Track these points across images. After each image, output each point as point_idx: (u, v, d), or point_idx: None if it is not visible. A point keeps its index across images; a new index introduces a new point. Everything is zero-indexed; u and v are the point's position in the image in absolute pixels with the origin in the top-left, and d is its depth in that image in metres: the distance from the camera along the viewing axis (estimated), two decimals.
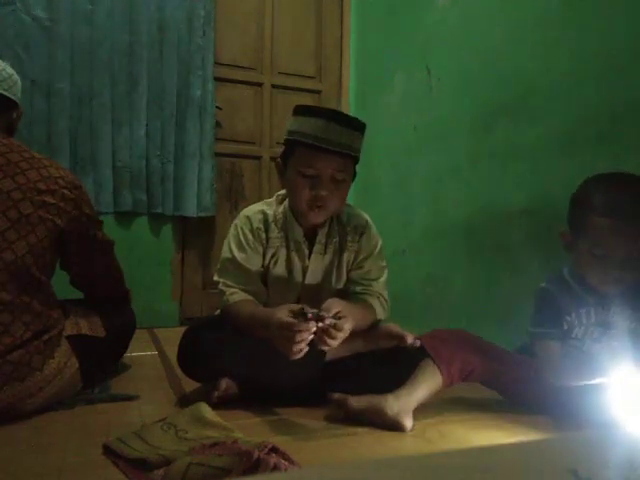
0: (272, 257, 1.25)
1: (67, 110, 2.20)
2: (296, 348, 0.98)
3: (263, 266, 1.25)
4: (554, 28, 1.54)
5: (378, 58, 2.63)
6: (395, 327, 1.25)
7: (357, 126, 1.18)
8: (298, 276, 1.27)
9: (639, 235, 0.99)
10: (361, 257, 1.28)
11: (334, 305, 1.05)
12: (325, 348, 1.02)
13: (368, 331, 1.23)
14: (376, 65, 2.65)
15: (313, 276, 1.28)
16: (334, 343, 1.00)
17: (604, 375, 1.00)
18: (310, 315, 1.00)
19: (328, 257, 1.28)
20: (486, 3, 1.85)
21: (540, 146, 1.57)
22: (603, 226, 1.03)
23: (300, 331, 0.97)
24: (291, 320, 0.98)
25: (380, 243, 1.31)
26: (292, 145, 1.18)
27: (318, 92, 2.84)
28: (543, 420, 1.11)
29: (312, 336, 0.99)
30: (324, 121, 1.12)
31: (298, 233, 1.25)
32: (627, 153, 1.31)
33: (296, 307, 1.03)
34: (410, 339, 1.19)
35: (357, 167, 1.25)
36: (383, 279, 1.30)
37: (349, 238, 1.28)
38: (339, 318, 1.02)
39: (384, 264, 1.31)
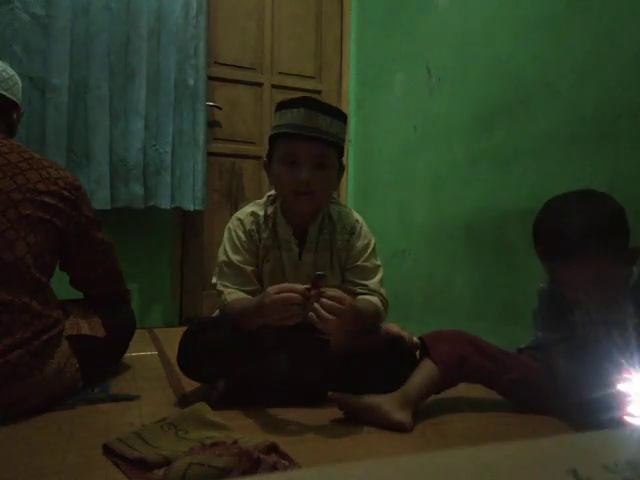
0: (265, 257, 1.25)
1: (64, 105, 2.16)
2: (291, 314, 0.96)
3: (257, 266, 1.25)
4: (554, 28, 1.54)
5: (378, 58, 2.63)
6: (395, 327, 1.25)
7: (336, 114, 1.17)
8: (291, 275, 1.26)
9: (590, 261, 0.96)
10: (354, 257, 1.27)
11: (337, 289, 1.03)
12: (324, 326, 0.95)
13: (369, 332, 1.23)
14: (376, 65, 2.66)
15: (306, 275, 1.25)
16: (333, 320, 0.94)
17: (609, 375, 1.00)
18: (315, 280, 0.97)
19: (320, 255, 1.27)
20: (486, 3, 1.85)
21: (540, 146, 1.57)
22: (552, 265, 1.04)
23: (292, 295, 0.95)
24: (281, 285, 0.98)
25: (373, 242, 1.30)
26: (274, 139, 1.20)
27: (318, 92, 2.84)
28: (543, 420, 1.11)
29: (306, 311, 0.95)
30: (301, 109, 1.13)
31: (287, 232, 1.24)
32: (627, 153, 1.31)
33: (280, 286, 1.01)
34: (408, 339, 1.19)
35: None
36: (378, 277, 1.28)
37: (338, 237, 1.27)
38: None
39: (378, 262, 1.30)
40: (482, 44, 1.86)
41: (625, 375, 0.97)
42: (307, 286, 0.97)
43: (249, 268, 1.23)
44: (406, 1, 2.38)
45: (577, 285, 1.01)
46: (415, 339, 1.21)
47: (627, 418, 0.93)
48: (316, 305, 0.95)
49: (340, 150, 1.22)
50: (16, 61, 2.07)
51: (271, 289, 0.99)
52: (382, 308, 1.24)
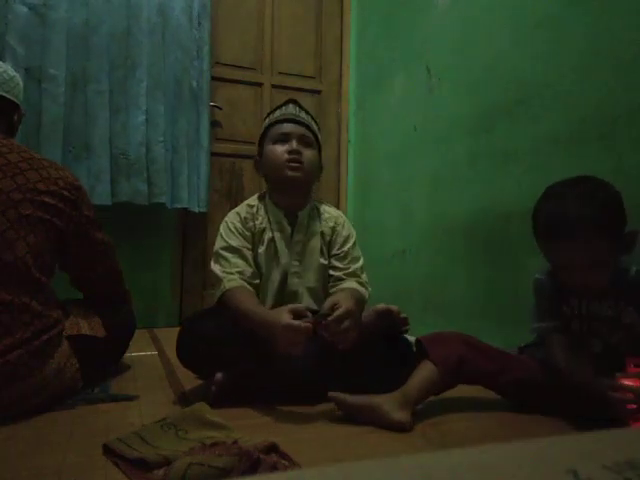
0: (259, 240, 1.33)
1: (61, 96, 2.13)
2: (298, 348, 1.04)
3: (253, 250, 1.33)
4: (554, 28, 1.54)
5: (378, 58, 2.63)
6: (381, 305, 1.32)
7: (314, 119, 1.40)
8: (283, 255, 1.33)
9: (585, 242, 0.97)
10: (340, 243, 1.37)
11: (329, 302, 1.11)
12: (343, 345, 1.06)
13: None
14: (376, 65, 2.65)
15: (297, 253, 1.34)
16: (345, 337, 1.06)
17: (604, 371, 1.00)
18: (310, 318, 1.06)
19: (309, 237, 1.36)
20: (486, 3, 1.85)
21: (540, 146, 1.57)
22: (549, 246, 1.05)
23: (305, 333, 1.03)
24: (297, 323, 1.03)
25: (355, 235, 1.41)
26: (264, 133, 1.36)
27: (318, 92, 2.85)
28: (543, 420, 1.11)
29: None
30: (289, 105, 1.37)
31: (279, 215, 1.34)
32: (627, 153, 1.31)
33: (293, 307, 1.08)
34: (396, 311, 1.30)
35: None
36: (360, 264, 1.37)
37: (324, 224, 1.38)
38: (334, 310, 1.06)
39: (360, 255, 1.39)
40: (482, 44, 1.86)
41: (619, 372, 0.97)
42: (310, 319, 1.05)
43: (247, 251, 1.30)
44: (406, 1, 2.38)
45: (572, 266, 1.02)
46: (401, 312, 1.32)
47: (623, 416, 0.93)
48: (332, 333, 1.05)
49: (319, 147, 1.38)
50: (9, 51, 2.04)
51: (286, 322, 1.03)
52: (365, 292, 1.31)
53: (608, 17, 1.37)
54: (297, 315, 1.06)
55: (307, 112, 1.39)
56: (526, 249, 1.60)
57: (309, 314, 1.07)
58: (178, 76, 2.39)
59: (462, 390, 1.19)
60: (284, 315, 1.05)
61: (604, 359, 1.06)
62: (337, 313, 1.05)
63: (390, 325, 1.29)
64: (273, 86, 2.74)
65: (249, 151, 2.68)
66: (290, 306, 1.09)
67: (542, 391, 1.13)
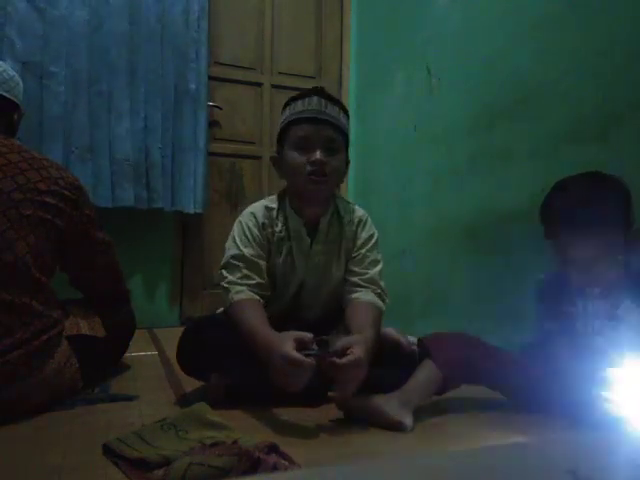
0: (277, 249, 1.27)
1: (61, 94, 2.12)
2: (297, 384, 0.98)
3: (268, 260, 1.27)
4: (554, 28, 1.54)
5: (378, 58, 2.63)
6: (391, 332, 1.26)
7: (342, 107, 1.25)
8: (300, 266, 1.28)
9: (598, 238, 0.99)
10: (358, 246, 1.30)
11: (342, 343, 1.02)
12: (343, 394, 1.02)
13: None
14: (376, 65, 2.65)
15: (315, 265, 1.29)
16: (348, 386, 1.01)
17: (608, 371, 1.00)
18: (314, 352, 0.98)
19: (329, 246, 1.29)
20: (486, 3, 1.85)
21: (540, 146, 1.57)
22: (560, 240, 1.06)
23: (304, 368, 0.95)
24: (298, 357, 0.95)
25: (376, 236, 1.33)
26: (285, 130, 1.24)
27: None
28: (543, 420, 1.11)
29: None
30: (313, 98, 1.21)
31: (298, 223, 1.27)
32: (627, 153, 1.31)
33: (298, 336, 1.00)
34: (405, 344, 1.23)
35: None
36: (378, 269, 1.30)
37: (347, 228, 1.31)
38: (346, 354, 0.98)
39: (379, 257, 1.32)
40: (482, 44, 1.86)
41: (623, 372, 0.97)
42: (315, 352, 0.98)
43: (261, 262, 1.23)
44: (406, 1, 2.38)
45: (579, 259, 1.02)
46: (412, 339, 1.23)
47: (624, 416, 0.93)
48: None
49: (347, 142, 1.27)
50: (7, 43, 2.03)
51: (286, 352, 0.95)
52: (381, 303, 1.26)
53: (608, 16, 1.37)
54: (302, 345, 0.97)
55: (335, 101, 1.24)
56: (526, 249, 1.60)
57: (315, 347, 0.99)
58: (176, 80, 2.39)
59: (463, 390, 1.18)
60: (287, 343, 0.96)
61: (607, 359, 1.06)
62: (348, 359, 0.97)
63: (397, 353, 1.23)
64: (273, 86, 2.74)
65: (249, 151, 2.68)
66: (296, 334, 0.99)
67: (545, 391, 1.12)
